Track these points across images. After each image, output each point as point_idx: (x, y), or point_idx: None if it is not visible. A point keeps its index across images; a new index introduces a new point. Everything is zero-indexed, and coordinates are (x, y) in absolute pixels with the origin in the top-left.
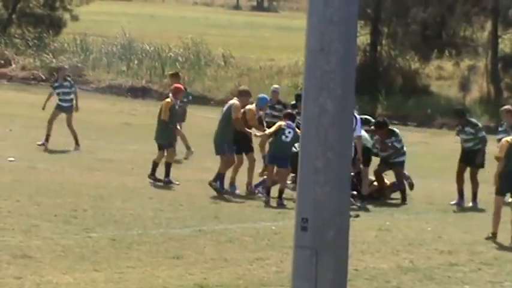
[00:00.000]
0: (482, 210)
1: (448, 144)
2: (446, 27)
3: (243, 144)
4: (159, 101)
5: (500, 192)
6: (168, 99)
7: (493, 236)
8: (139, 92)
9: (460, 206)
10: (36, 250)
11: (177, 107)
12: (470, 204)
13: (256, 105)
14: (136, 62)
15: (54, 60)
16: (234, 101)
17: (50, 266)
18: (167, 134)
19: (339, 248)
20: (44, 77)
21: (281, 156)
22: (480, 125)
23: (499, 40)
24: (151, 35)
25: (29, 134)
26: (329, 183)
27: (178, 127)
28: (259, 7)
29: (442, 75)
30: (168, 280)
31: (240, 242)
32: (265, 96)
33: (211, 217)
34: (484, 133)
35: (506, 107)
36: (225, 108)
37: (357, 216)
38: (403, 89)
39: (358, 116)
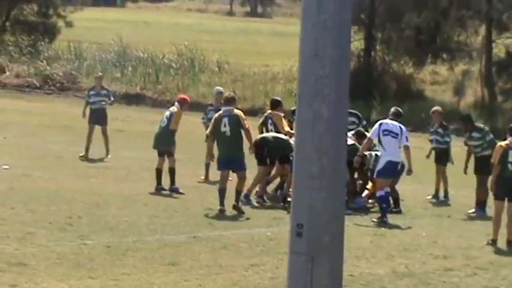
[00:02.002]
0: (476, 217)
1: None
2: (440, 32)
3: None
4: (153, 107)
5: (499, 197)
6: (176, 109)
7: (493, 243)
8: (133, 99)
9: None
10: (31, 257)
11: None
12: (472, 210)
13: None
14: (130, 68)
15: (48, 68)
16: (236, 111)
17: (45, 273)
18: (170, 142)
19: (334, 253)
20: (38, 85)
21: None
22: (487, 128)
23: (493, 45)
24: (145, 42)
25: (23, 141)
26: (324, 189)
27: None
28: (252, 13)
29: (436, 80)
30: (164, 287)
31: (235, 248)
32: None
33: (206, 223)
34: (491, 136)
35: (435, 108)
36: (227, 121)
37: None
38: (398, 94)
39: (403, 127)
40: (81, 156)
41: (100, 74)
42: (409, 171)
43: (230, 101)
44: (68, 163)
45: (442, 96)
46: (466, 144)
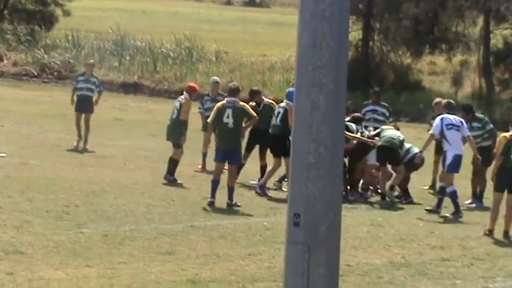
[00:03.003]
0: (474, 207)
1: None
2: (438, 23)
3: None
4: (150, 96)
5: (499, 189)
6: (185, 99)
7: (490, 233)
8: (131, 88)
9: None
10: (28, 246)
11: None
12: (469, 201)
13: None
14: (128, 57)
15: (45, 56)
16: (241, 103)
17: (42, 261)
18: (180, 132)
19: (331, 243)
20: (35, 73)
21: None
22: (487, 118)
23: (491, 35)
24: (143, 31)
25: (21, 130)
26: (321, 179)
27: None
28: (251, 2)
29: (434, 70)
30: (161, 276)
31: (232, 237)
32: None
33: (203, 213)
34: (491, 126)
35: (437, 99)
36: (231, 113)
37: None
38: (395, 84)
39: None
40: (76, 146)
41: (92, 61)
42: (478, 159)
43: (235, 92)
44: (65, 152)
45: (440, 86)
46: None
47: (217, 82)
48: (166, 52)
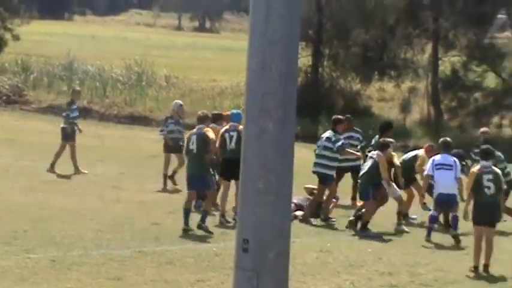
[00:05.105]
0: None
1: None
2: (387, 50)
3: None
4: (100, 121)
5: (478, 222)
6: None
7: (475, 270)
8: (80, 113)
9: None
10: None
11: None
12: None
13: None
14: (77, 82)
15: None
16: (206, 129)
17: None
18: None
19: (280, 269)
20: None
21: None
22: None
23: (439, 62)
24: (92, 56)
25: None
26: (270, 205)
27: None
28: (201, 28)
29: (383, 96)
30: None
31: (181, 263)
32: (239, 112)
33: (152, 238)
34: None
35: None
36: (195, 139)
37: None
38: (345, 110)
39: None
40: (80, 172)
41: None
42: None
43: (203, 119)
44: (14, 176)
45: (389, 113)
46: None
47: (181, 105)
48: (116, 77)
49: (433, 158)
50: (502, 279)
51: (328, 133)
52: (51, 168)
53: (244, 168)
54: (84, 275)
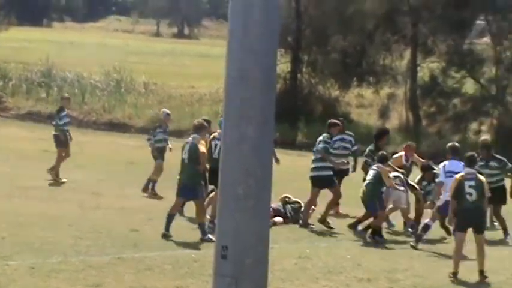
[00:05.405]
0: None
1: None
2: (366, 56)
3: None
4: (78, 128)
5: (461, 228)
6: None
7: (454, 276)
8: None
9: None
10: None
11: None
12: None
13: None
14: (56, 89)
15: None
16: (198, 138)
17: None
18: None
19: (259, 276)
20: None
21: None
22: (505, 159)
23: (418, 68)
24: (71, 62)
25: None
26: (249, 211)
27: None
28: (180, 34)
29: (361, 103)
30: None
31: (160, 269)
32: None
33: (131, 245)
34: (510, 165)
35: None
36: (187, 148)
37: None
38: (323, 116)
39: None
40: (58, 180)
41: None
42: None
43: (197, 128)
44: None
45: (368, 119)
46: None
47: (168, 114)
48: (95, 83)
49: (443, 164)
50: (485, 285)
51: (322, 136)
52: (57, 177)
53: (223, 174)
54: (63, 282)
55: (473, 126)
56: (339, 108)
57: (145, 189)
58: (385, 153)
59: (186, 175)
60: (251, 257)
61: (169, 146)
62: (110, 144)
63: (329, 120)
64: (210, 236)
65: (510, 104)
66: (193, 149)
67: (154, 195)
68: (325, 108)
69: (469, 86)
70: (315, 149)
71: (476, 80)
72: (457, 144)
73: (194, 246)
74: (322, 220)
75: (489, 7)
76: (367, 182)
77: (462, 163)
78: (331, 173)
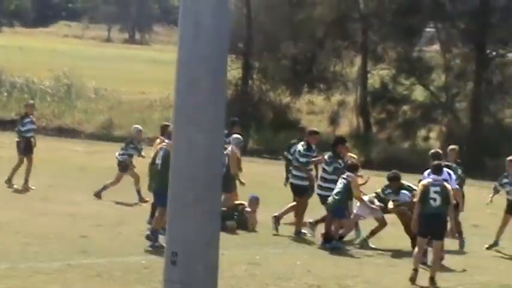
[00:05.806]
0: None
1: None
2: (317, 62)
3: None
4: None
5: (422, 234)
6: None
7: (415, 272)
8: (8, 125)
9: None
10: None
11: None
12: None
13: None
14: (5, 94)
15: None
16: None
17: None
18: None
19: (208, 282)
20: None
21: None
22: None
23: (368, 75)
24: (20, 67)
25: None
26: (198, 218)
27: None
28: (131, 40)
29: (312, 109)
30: None
31: (109, 276)
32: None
33: (80, 251)
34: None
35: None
36: (161, 154)
37: None
38: (274, 123)
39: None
40: (11, 185)
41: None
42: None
43: (171, 134)
44: None
45: (318, 126)
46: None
47: (140, 130)
48: (45, 89)
49: (427, 171)
50: None
51: (300, 145)
52: (25, 184)
53: (173, 181)
54: None
55: (423, 133)
56: (290, 114)
57: (98, 195)
58: (355, 162)
59: (157, 181)
60: (201, 264)
61: (143, 154)
62: (60, 150)
63: (309, 129)
64: (161, 242)
65: (459, 111)
66: (167, 157)
67: (144, 202)
68: (276, 114)
69: (419, 93)
70: (291, 157)
71: (426, 87)
72: (439, 151)
73: (144, 252)
74: (297, 232)
75: (438, 15)
76: (336, 191)
77: (446, 170)
78: (307, 183)
